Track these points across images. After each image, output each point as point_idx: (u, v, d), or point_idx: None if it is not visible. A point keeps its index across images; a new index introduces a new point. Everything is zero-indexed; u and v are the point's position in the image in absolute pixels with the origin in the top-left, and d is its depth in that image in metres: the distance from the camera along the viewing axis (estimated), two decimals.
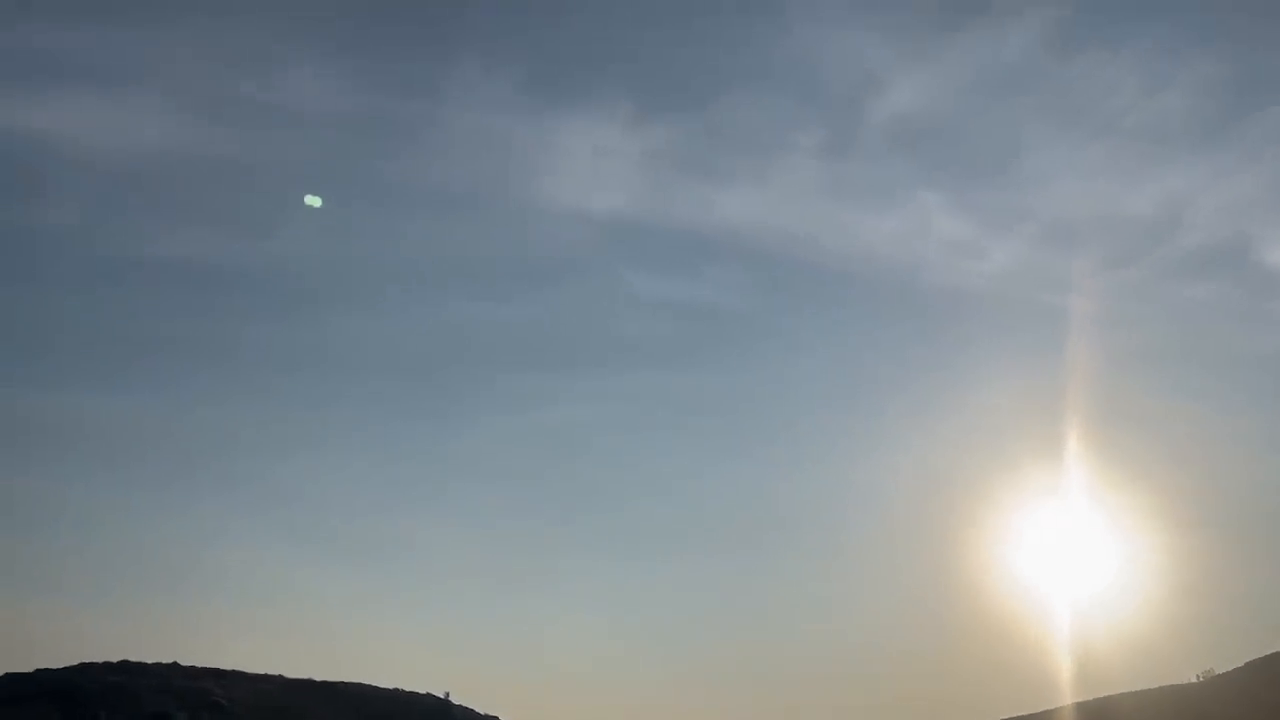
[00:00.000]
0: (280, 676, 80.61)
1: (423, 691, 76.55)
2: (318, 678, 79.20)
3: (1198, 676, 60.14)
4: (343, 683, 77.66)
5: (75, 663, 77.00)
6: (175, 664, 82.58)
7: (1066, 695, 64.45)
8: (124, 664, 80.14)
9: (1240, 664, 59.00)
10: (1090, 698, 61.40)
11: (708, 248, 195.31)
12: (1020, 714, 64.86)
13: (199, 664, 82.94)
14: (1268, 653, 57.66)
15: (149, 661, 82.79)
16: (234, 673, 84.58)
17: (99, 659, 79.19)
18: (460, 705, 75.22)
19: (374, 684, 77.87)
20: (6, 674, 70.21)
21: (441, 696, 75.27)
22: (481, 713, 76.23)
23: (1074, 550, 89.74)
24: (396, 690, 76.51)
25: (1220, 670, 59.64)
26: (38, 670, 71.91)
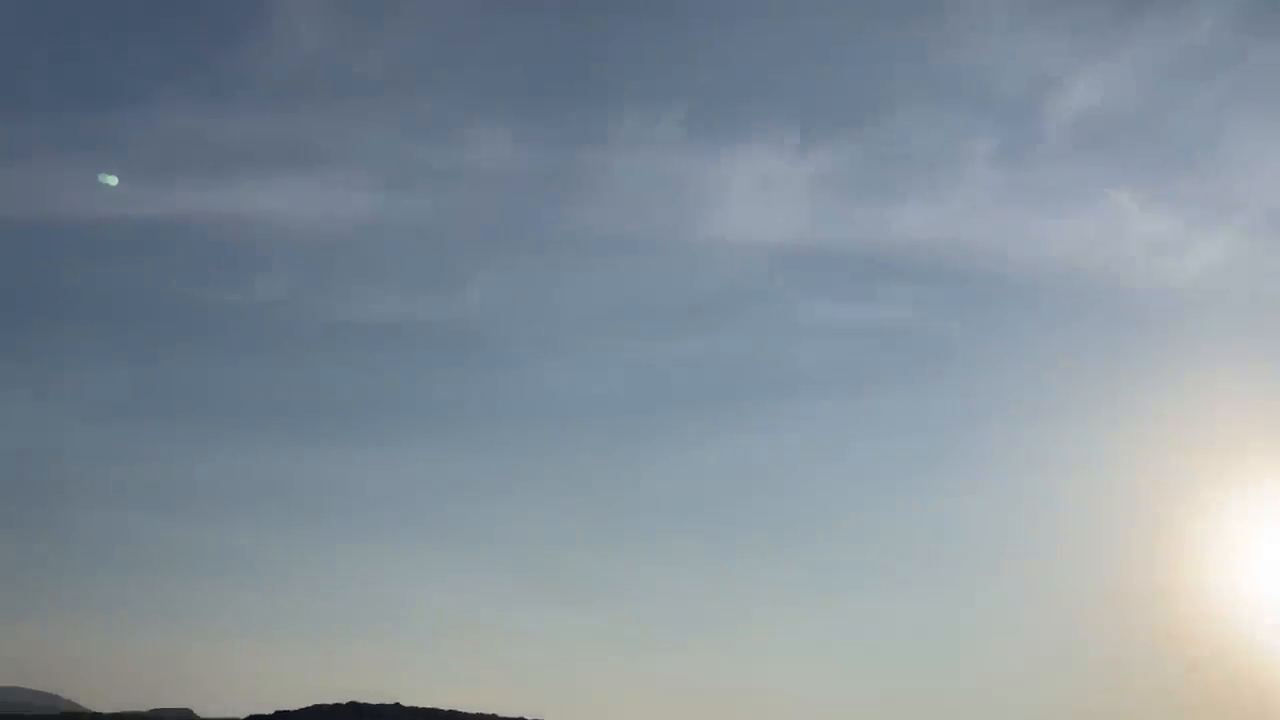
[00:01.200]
0: (494, 716, 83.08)
1: None
2: (529, 716, 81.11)
3: None
4: None
5: (309, 704, 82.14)
6: (398, 704, 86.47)
7: None
8: (353, 705, 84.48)
9: None
10: None
11: (883, 269, 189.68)
12: None
13: (420, 704, 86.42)
14: None
15: (375, 702, 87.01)
16: (453, 713, 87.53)
17: (329, 700, 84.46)
18: None
19: None
20: (250, 716, 76.18)
21: None
22: None
23: None
24: None
25: None
26: (277, 712, 77.81)
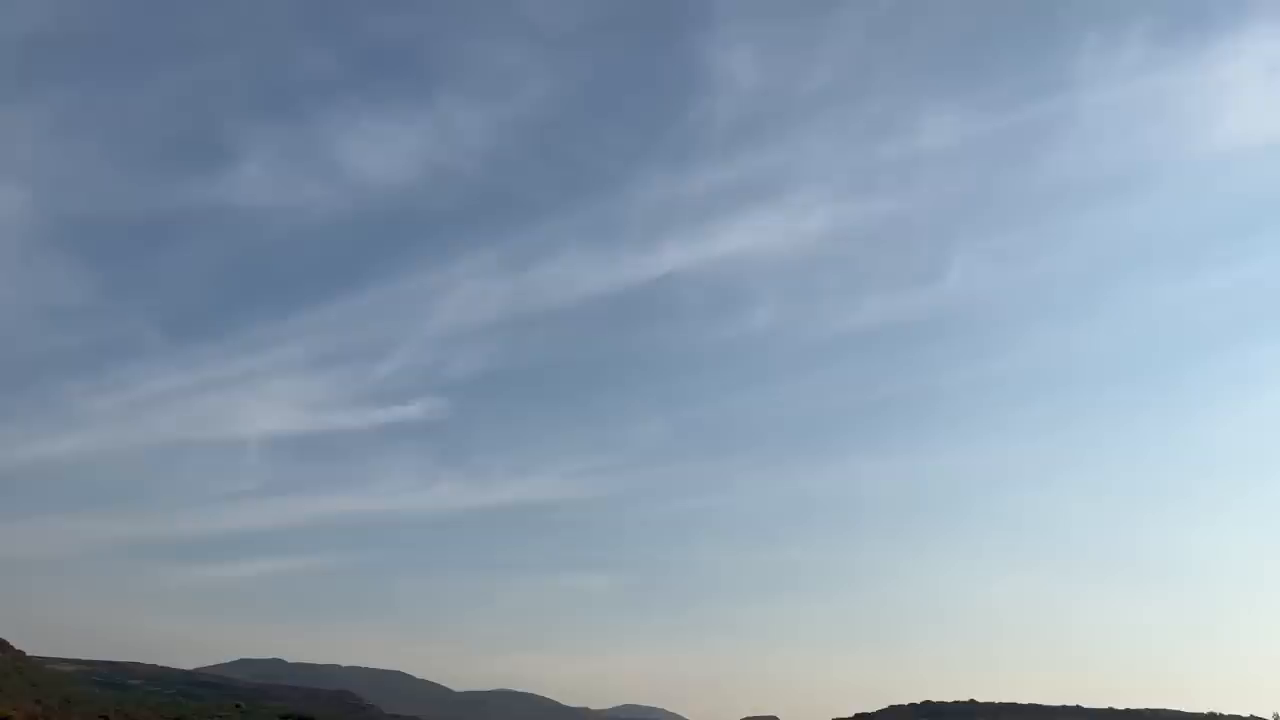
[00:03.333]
0: (1077, 708, 78.70)
1: (1245, 715, 68.01)
2: (1119, 706, 75.42)
3: None
4: (1149, 710, 72.78)
5: (885, 706, 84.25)
6: (973, 700, 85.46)
7: None
8: (927, 704, 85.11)
9: None
10: None
11: None
12: None
13: (996, 700, 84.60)
14: None
15: (950, 700, 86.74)
16: (1034, 705, 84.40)
17: (904, 701, 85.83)
18: None
19: (1184, 710, 71.57)
20: None
21: None
22: None
23: None
24: (1212, 715, 69.19)
25: None
26: (856, 715, 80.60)
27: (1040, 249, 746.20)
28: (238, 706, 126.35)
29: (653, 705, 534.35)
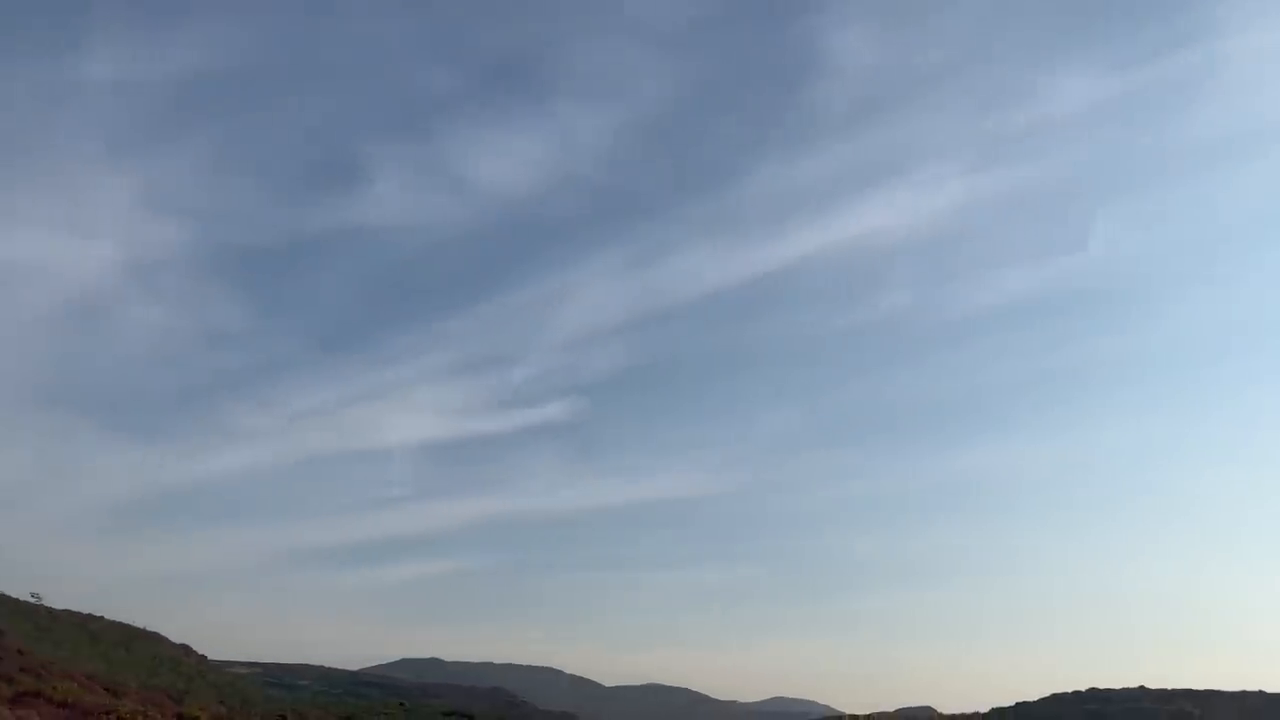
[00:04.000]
0: (1260, 692, 73.92)
1: None
2: None
3: None
4: None
5: (1048, 694, 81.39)
6: (1142, 687, 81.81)
7: None
8: (1093, 691, 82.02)
9: None
10: None
11: None
12: None
13: (1167, 686, 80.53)
14: None
15: (1117, 687, 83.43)
16: (1210, 691, 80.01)
17: (1068, 689, 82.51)
18: None
19: None
20: (991, 709, 77.62)
21: None
22: None
23: None
24: None
25: None
26: (1018, 704, 78.10)
27: (1189, 210, 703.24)
28: (401, 705, 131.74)
29: (801, 697, 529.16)
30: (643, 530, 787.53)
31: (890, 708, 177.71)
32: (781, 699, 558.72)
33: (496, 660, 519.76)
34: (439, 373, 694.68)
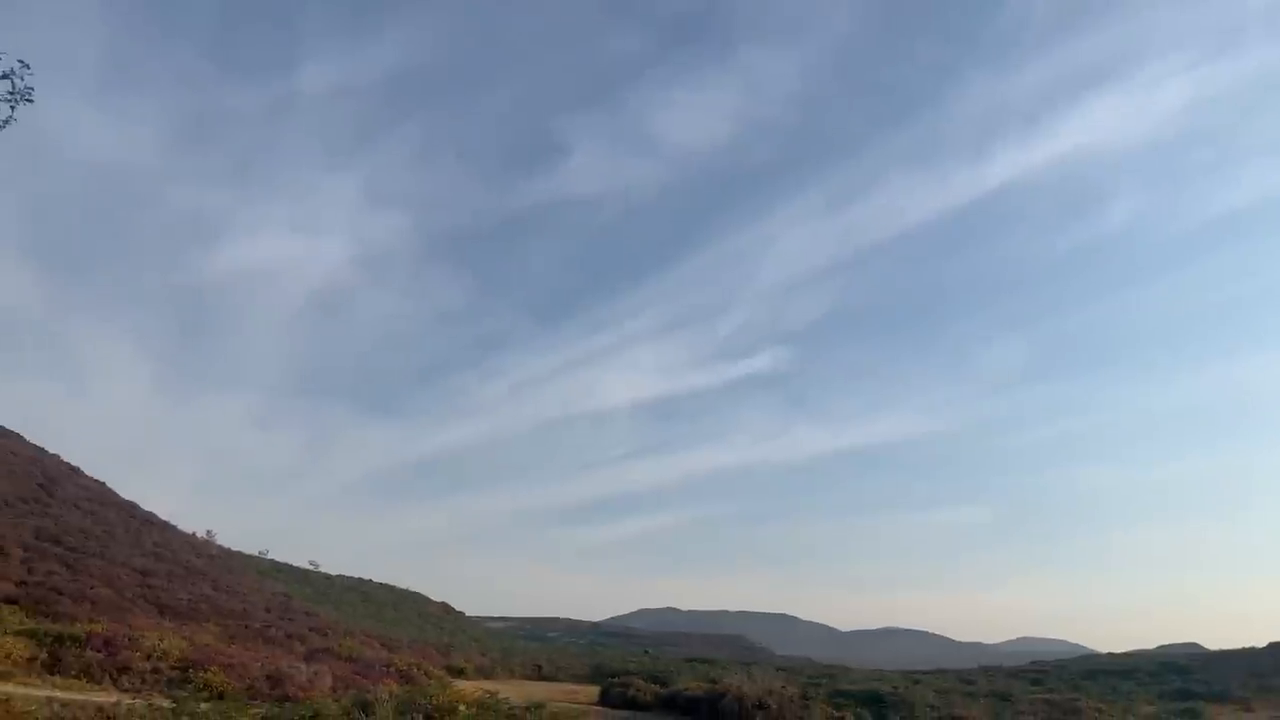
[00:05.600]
0: None
1: None
2: None
3: None
4: None
5: None
6: None
7: None
8: None
9: None
10: None
11: None
12: None
13: None
14: None
15: None
16: None
17: None
18: None
19: None
20: (1270, 643, 70.98)
21: None
22: None
23: None
24: None
25: None
26: None
27: None
28: (646, 652, 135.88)
29: (1051, 637, 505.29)
30: (868, 476, 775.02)
31: (1150, 645, 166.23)
32: (1028, 639, 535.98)
33: (731, 608, 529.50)
34: (649, 333, 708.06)
